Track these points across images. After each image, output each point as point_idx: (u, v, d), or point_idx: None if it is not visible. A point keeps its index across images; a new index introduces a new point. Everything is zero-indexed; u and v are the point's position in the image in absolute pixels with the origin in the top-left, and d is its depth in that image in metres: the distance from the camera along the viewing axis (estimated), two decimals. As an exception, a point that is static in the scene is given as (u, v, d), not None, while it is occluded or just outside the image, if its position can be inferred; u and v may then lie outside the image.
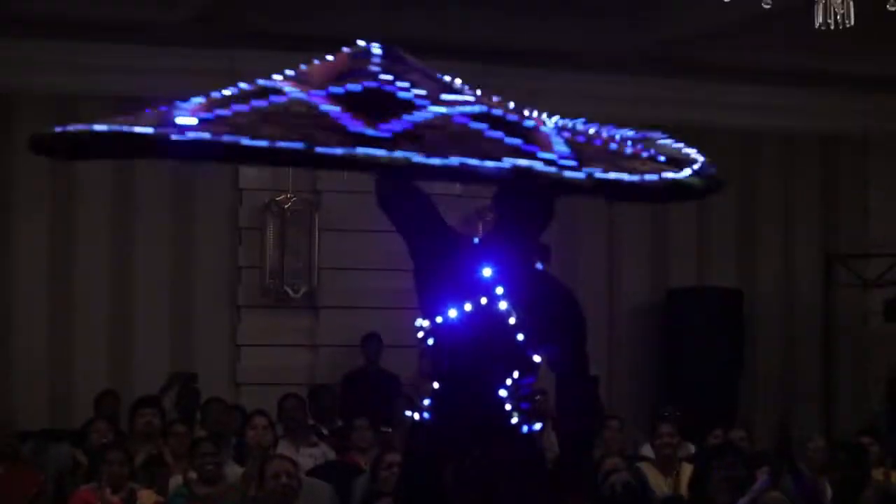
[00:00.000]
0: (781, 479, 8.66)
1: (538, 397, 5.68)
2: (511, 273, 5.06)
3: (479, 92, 4.98)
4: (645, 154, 4.82)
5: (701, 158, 4.91)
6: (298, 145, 4.32)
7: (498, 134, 4.60)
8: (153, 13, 11.58)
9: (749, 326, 13.88)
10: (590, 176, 4.55)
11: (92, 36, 11.90)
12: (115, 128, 4.48)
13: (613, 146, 4.87)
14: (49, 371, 12.21)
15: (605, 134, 5.00)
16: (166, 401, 10.85)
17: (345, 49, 5.01)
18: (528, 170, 4.46)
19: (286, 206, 12.53)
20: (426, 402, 5.18)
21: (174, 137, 4.36)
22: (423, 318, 5.21)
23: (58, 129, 4.65)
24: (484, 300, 5.03)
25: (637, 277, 13.98)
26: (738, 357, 13.53)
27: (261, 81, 4.78)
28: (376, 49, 4.97)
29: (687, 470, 8.97)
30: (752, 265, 14.46)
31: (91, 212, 12.30)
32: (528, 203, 5.09)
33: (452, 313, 5.06)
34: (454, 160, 4.37)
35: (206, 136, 4.37)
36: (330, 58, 4.99)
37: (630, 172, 4.62)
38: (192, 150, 4.47)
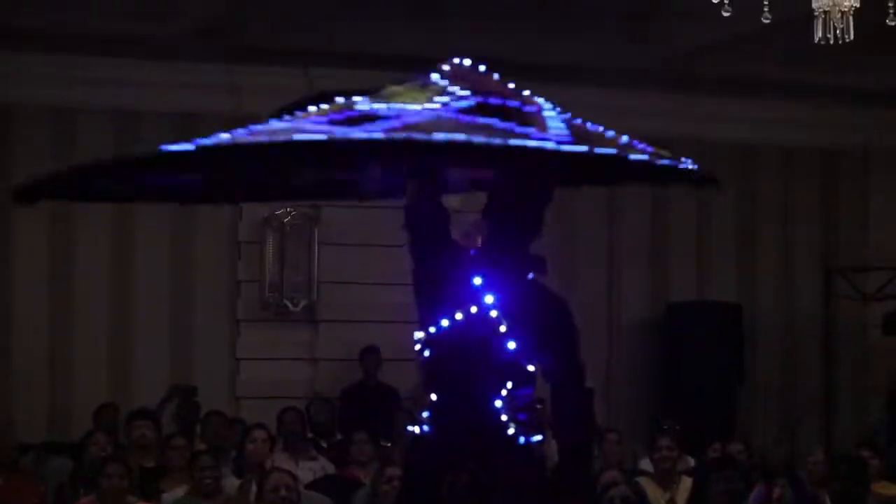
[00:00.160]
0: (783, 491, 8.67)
1: (539, 406, 5.66)
2: (501, 282, 5.07)
3: (480, 79, 5.02)
4: (640, 146, 4.87)
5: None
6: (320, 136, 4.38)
7: (491, 120, 4.63)
8: (152, 27, 11.59)
9: (749, 340, 13.87)
10: (591, 150, 4.60)
11: (91, 49, 11.91)
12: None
13: (610, 133, 4.92)
14: (49, 383, 12.20)
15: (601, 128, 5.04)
16: (165, 413, 10.85)
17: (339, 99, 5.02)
18: (524, 147, 4.50)
19: (285, 221, 12.53)
20: (425, 414, 5.18)
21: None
22: (420, 330, 5.23)
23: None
24: (474, 309, 5.04)
25: (637, 292, 13.97)
26: (738, 371, 13.52)
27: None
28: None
29: (686, 483, 8.97)
30: (751, 279, 14.45)
31: (91, 225, 12.29)
32: (517, 212, 5.11)
33: (444, 323, 5.08)
34: (439, 137, 4.42)
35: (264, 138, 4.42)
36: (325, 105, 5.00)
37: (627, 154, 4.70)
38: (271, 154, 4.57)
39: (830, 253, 14.70)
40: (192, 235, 12.57)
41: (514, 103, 4.83)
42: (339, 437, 11.11)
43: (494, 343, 5.01)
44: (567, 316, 5.18)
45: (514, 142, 4.50)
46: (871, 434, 12.80)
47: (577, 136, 4.72)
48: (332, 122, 4.57)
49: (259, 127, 4.62)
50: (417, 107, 4.66)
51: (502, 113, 4.70)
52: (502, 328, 5.01)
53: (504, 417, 5.02)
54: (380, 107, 4.65)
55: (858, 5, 6.77)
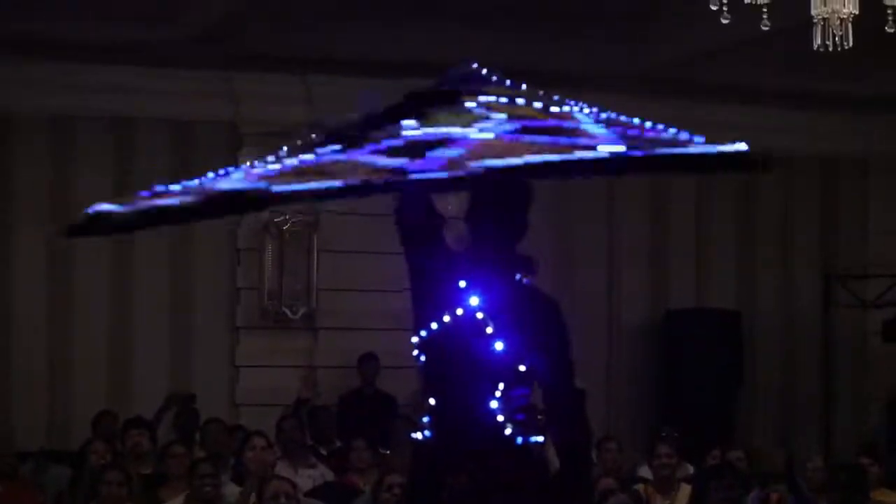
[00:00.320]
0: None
1: (540, 417, 5.64)
2: (486, 284, 5.07)
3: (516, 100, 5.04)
4: (685, 135, 4.89)
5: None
6: (392, 178, 4.38)
7: (542, 138, 4.65)
8: (152, 34, 11.59)
9: (748, 347, 13.86)
10: (651, 154, 4.63)
11: (90, 56, 11.92)
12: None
13: (651, 133, 4.94)
14: (48, 391, 12.20)
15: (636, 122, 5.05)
16: (164, 421, 10.84)
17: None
18: (603, 158, 4.53)
19: (284, 228, 12.53)
20: (425, 419, 5.19)
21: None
22: (414, 335, 5.24)
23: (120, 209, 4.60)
24: (460, 311, 5.05)
25: (636, 298, 13.96)
26: (737, 378, 13.51)
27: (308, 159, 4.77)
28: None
29: (685, 491, 8.96)
30: (751, 286, 14.44)
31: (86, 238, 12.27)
32: (498, 214, 5.12)
33: (434, 326, 5.09)
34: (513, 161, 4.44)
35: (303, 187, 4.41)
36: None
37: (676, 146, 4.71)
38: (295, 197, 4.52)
39: (830, 260, 14.69)
40: (191, 242, 12.56)
41: (552, 122, 4.86)
42: (338, 444, 11.09)
43: (482, 345, 5.01)
44: (556, 316, 5.17)
45: (581, 154, 4.52)
46: (870, 441, 12.79)
47: (628, 140, 4.74)
48: (389, 152, 4.59)
49: (324, 159, 4.58)
50: (463, 130, 4.71)
51: (547, 131, 4.74)
52: (489, 329, 5.01)
53: (500, 418, 5.01)
54: (431, 131, 4.68)
55: (857, 12, 6.77)
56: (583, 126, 4.85)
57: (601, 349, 13.61)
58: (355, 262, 12.40)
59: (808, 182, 14.68)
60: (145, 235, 12.39)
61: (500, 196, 5.10)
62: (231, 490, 8.89)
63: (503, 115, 4.83)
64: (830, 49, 6.89)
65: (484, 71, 5.29)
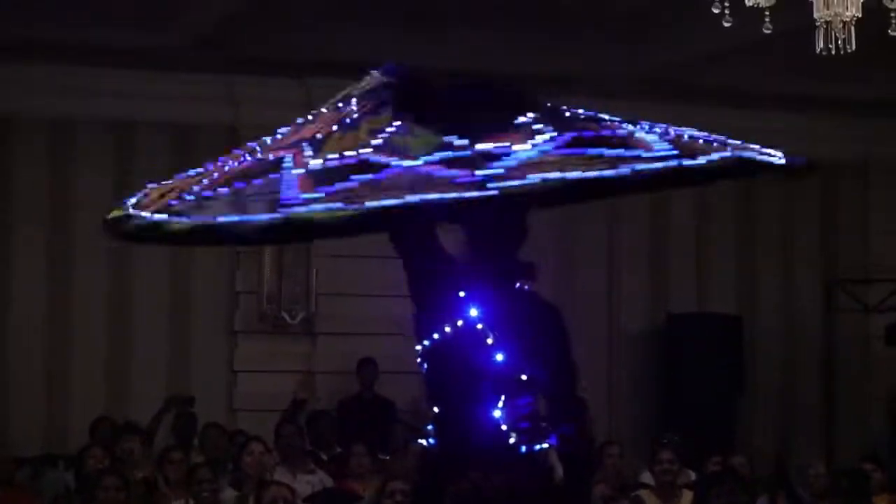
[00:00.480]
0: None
1: (544, 424, 5.62)
2: (486, 293, 5.04)
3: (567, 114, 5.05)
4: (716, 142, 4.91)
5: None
6: (442, 198, 4.36)
7: (597, 150, 4.65)
8: (152, 38, 11.59)
9: (749, 352, 13.83)
10: (710, 161, 4.65)
11: (90, 60, 11.91)
12: (245, 219, 4.47)
13: (689, 138, 4.97)
14: (46, 396, 12.17)
15: (673, 132, 5.07)
16: (162, 426, 10.80)
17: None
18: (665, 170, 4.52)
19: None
20: (429, 427, 5.17)
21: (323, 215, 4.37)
22: (418, 343, 5.22)
23: (185, 220, 4.57)
24: (460, 322, 5.03)
25: (637, 303, 13.94)
26: (739, 383, 13.48)
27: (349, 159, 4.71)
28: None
29: (687, 497, 8.93)
30: (752, 290, 14.41)
31: (89, 236, 12.25)
32: (495, 222, 5.09)
33: (435, 336, 5.07)
34: (572, 175, 4.43)
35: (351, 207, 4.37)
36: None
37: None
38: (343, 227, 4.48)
39: (831, 264, 14.67)
40: (189, 247, 12.51)
41: (606, 132, 4.86)
42: (337, 449, 11.05)
43: (483, 356, 4.99)
44: (557, 324, 5.14)
45: (641, 166, 4.52)
46: (873, 446, 12.76)
47: (681, 148, 4.76)
48: (444, 163, 4.58)
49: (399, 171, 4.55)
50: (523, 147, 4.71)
51: (601, 142, 4.75)
52: (489, 340, 4.99)
53: (504, 427, 4.99)
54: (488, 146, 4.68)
55: (860, 15, 6.73)
56: (637, 135, 4.87)
57: (602, 353, 13.57)
58: (354, 267, 12.36)
59: (808, 186, 14.64)
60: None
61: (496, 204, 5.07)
62: (229, 495, 8.87)
63: (552, 127, 4.84)
64: (833, 52, 6.85)
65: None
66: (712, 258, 14.29)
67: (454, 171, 4.54)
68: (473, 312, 5.01)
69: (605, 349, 13.68)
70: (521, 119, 4.94)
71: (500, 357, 4.97)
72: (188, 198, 4.63)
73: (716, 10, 6.70)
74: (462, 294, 5.04)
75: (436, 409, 5.16)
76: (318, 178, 4.58)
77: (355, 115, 5.07)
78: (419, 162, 4.61)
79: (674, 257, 14.13)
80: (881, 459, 10.62)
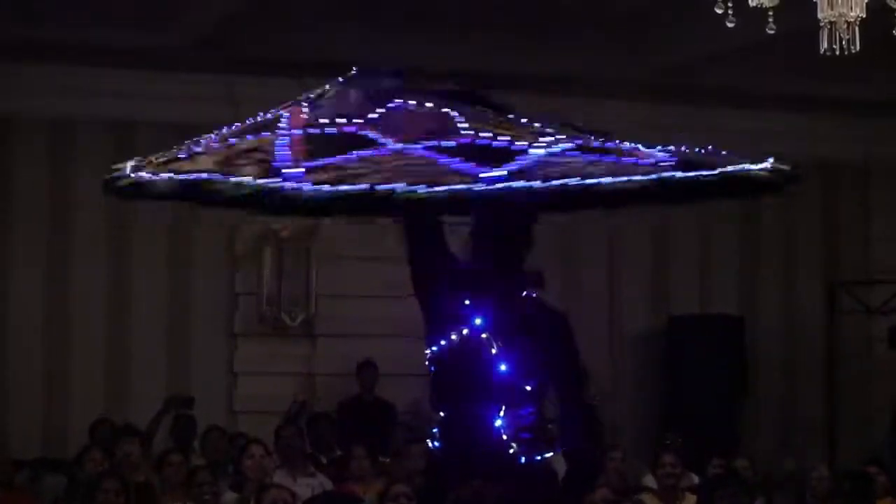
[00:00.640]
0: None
1: (550, 426, 5.59)
2: (492, 302, 5.00)
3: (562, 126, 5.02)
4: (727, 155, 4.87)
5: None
6: (443, 189, 4.31)
7: (611, 158, 4.62)
8: (152, 38, 11.59)
9: (751, 354, 13.79)
10: (713, 172, 4.61)
11: (90, 60, 11.91)
12: (236, 179, 4.44)
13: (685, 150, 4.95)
14: (44, 398, 12.16)
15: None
16: (162, 427, 10.77)
17: (423, 103, 4.94)
18: (669, 179, 4.47)
19: (283, 234, 12.46)
20: (434, 430, 5.15)
21: (306, 190, 4.32)
22: (427, 347, 5.20)
23: (168, 177, 4.60)
24: (465, 331, 5.00)
25: (638, 305, 13.92)
26: (741, 385, 13.44)
27: (347, 129, 4.69)
28: (453, 113, 4.94)
29: (690, 500, 8.90)
30: (754, 292, 14.39)
31: (88, 238, 12.26)
32: (503, 231, 5.05)
33: (443, 343, 5.04)
34: (591, 181, 4.39)
35: (343, 187, 4.32)
36: (411, 105, 4.94)
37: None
38: (324, 202, 4.45)
39: (833, 266, 14.65)
40: (189, 249, 12.51)
41: (610, 144, 4.84)
42: (338, 452, 11.02)
43: (486, 365, 4.96)
44: (563, 331, 5.11)
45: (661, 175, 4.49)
46: (876, 449, 12.72)
47: (679, 156, 4.74)
48: (445, 150, 4.53)
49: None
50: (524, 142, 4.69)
51: (604, 151, 4.73)
52: (493, 350, 4.96)
53: (505, 437, 4.96)
54: (487, 135, 4.65)
55: (865, 16, 6.69)
56: (629, 143, 4.83)
57: (603, 355, 13.54)
58: (354, 269, 12.35)
59: (810, 187, 14.59)
60: (144, 239, 12.37)
61: (503, 213, 5.03)
62: (229, 498, 8.84)
63: (553, 135, 4.81)
64: (837, 53, 6.81)
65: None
66: (714, 259, 14.27)
67: (468, 164, 4.50)
68: (478, 321, 4.99)
69: (607, 351, 13.65)
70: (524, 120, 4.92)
71: (503, 367, 4.94)
72: (181, 155, 4.69)
73: (719, 11, 6.66)
74: (467, 302, 5.01)
75: (442, 413, 5.15)
76: (314, 145, 4.55)
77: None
78: (418, 146, 4.59)
79: (675, 259, 14.11)
80: (884, 462, 10.58)
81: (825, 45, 6.75)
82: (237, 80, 12.44)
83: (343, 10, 11.11)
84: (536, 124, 5.01)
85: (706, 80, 12.76)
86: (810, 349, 14.48)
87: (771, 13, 6.76)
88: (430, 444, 5.25)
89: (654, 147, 4.95)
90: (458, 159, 4.53)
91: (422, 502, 5.57)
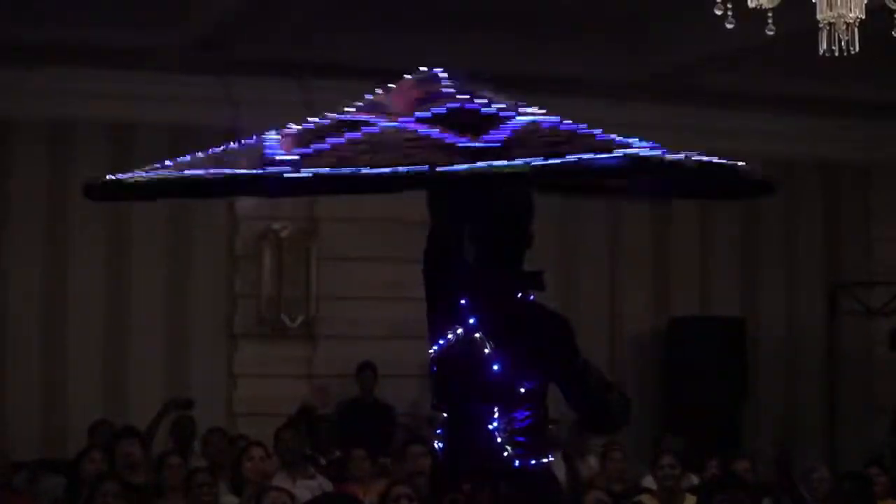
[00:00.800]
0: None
1: (551, 426, 5.56)
2: (488, 302, 4.98)
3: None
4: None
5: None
6: (423, 168, 4.26)
7: (591, 131, 4.58)
8: (151, 39, 11.58)
9: (752, 355, 13.78)
10: (688, 157, 4.54)
11: (89, 62, 11.91)
12: (225, 171, 4.44)
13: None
14: (43, 400, 12.14)
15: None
16: (161, 429, 10.76)
17: (407, 76, 4.95)
18: (645, 158, 4.41)
19: (283, 235, 12.45)
20: (438, 431, 5.14)
21: (290, 175, 4.30)
22: (430, 347, 5.18)
23: (151, 173, 4.61)
24: (460, 330, 4.98)
25: (639, 306, 13.91)
26: (742, 386, 13.44)
27: (338, 116, 4.70)
28: (441, 73, 4.96)
29: (690, 501, 8.89)
30: (755, 294, 14.38)
31: (86, 240, 12.25)
32: (500, 229, 5.03)
33: (442, 342, 5.03)
34: (571, 158, 4.33)
35: (324, 170, 4.29)
36: (394, 86, 4.95)
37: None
38: (312, 185, 4.41)
39: (834, 267, 14.65)
40: (188, 250, 12.50)
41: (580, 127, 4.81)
42: (337, 454, 11.02)
43: (480, 365, 4.94)
44: (561, 334, 5.07)
45: (633, 152, 4.44)
46: (877, 450, 12.71)
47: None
48: (437, 119, 4.52)
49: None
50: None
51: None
52: (486, 350, 4.93)
53: (499, 440, 4.93)
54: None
55: (864, 17, 6.68)
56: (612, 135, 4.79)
57: (604, 356, 13.53)
58: (354, 270, 12.34)
59: (810, 188, 14.61)
60: (143, 240, 12.37)
61: (501, 208, 5.00)
62: (229, 500, 8.82)
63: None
64: (836, 54, 6.81)
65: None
66: (714, 261, 14.27)
67: (449, 136, 4.46)
68: (471, 321, 4.97)
69: (608, 352, 13.64)
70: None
71: (496, 367, 4.92)
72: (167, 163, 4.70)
73: (718, 12, 6.65)
74: (463, 302, 4.99)
75: (444, 414, 5.13)
76: (304, 137, 4.55)
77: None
78: (410, 119, 4.56)
79: (676, 260, 14.10)
80: (885, 463, 10.58)
81: (824, 46, 6.75)
82: (236, 81, 12.44)
83: (342, 11, 11.10)
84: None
85: (706, 81, 12.75)
86: (811, 350, 14.48)
87: (770, 14, 6.77)
88: (434, 446, 5.22)
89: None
90: (438, 130, 4.50)
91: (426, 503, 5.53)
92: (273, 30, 11.49)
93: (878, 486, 9.16)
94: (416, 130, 4.52)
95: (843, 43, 6.74)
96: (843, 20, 6.71)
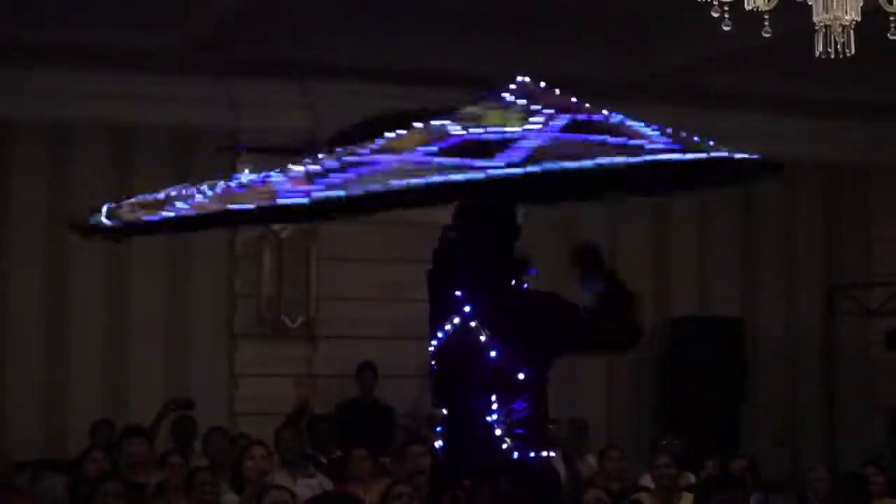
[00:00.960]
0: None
1: (550, 426, 5.59)
2: (482, 291, 5.03)
3: (555, 97, 5.00)
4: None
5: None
6: (438, 178, 4.32)
7: (601, 137, 4.62)
8: (152, 41, 11.58)
9: (751, 355, 13.80)
10: (709, 155, 4.62)
11: (89, 63, 11.90)
12: (284, 201, 4.49)
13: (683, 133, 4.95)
14: (44, 400, 12.14)
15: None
16: (161, 429, 10.78)
17: (418, 125, 4.97)
18: (664, 161, 4.48)
19: (283, 235, 12.47)
20: (438, 429, 5.17)
21: (350, 194, 4.36)
22: (429, 343, 5.22)
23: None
24: (457, 320, 5.02)
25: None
26: (741, 386, 13.45)
27: (342, 158, 4.71)
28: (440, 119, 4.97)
29: (687, 500, 8.92)
30: (753, 294, 14.39)
31: (87, 241, 12.21)
32: (484, 219, 5.08)
33: (440, 335, 5.07)
34: (588, 162, 4.40)
35: (375, 187, 4.40)
36: (405, 131, 4.98)
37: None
38: (364, 203, 4.50)
39: (833, 268, 14.66)
40: (189, 250, 12.51)
41: (597, 116, 4.85)
42: (338, 453, 11.04)
43: (476, 355, 4.98)
44: (556, 308, 5.12)
45: (653, 158, 4.49)
46: (877, 451, 12.74)
47: (682, 142, 4.75)
48: (444, 152, 4.55)
49: (361, 170, 4.50)
50: (517, 128, 4.67)
51: (597, 127, 4.73)
52: (482, 338, 4.97)
53: (498, 432, 4.96)
54: (479, 131, 4.64)
55: (859, 19, 6.72)
56: (629, 123, 4.84)
57: (603, 357, 13.55)
58: (354, 271, 12.35)
59: (810, 190, 14.63)
60: (143, 241, 12.36)
61: (486, 201, 5.06)
62: (230, 499, 8.85)
63: (551, 109, 4.81)
64: (832, 56, 6.85)
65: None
66: (714, 261, 14.27)
67: (468, 160, 4.50)
68: (467, 309, 5.01)
69: (606, 352, 13.66)
70: (506, 96, 4.93)
71: (493, 354, 4.96)
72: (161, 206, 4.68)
73: (715, 14, 6.69)
74: (458, 294, 5.04)
75: (444, 411, 5.16)
76: (312, 176, 4.59)
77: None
78: (414, 154, 4.60)
79: (675, 260, 14.11)
80: (884, 463, 10.60)
81: (820, 48, 6.79)
82: (237, 82, 12.45)
83: (343, 12, 11.12)
84: (520, 101, 5.01)
85: (706, 81, 12.77)
86: (810, 350, 14.50)
87: (767, 17, 6.80)
88: (434, 445, 5.26)
89: (640, 124, 4.96)
90: (459, 159, 4.54)
91: (427, 502, 5.55)
92: (273, 30, 11.51)
93: (875, 485, 9.19)
94: (431, 160, 4.56)
95: (839, 45, 6.78)
96: (839, 22, 6.75)
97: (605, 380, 13.45)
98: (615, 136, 4.71)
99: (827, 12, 6.70)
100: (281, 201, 4.50)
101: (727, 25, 6.69)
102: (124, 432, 9.84)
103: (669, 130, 4.95)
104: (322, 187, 4.49)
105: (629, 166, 4.51)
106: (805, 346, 14.48)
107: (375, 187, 4.40)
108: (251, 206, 4.54)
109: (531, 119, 4.77)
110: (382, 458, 10.28)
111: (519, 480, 4.97)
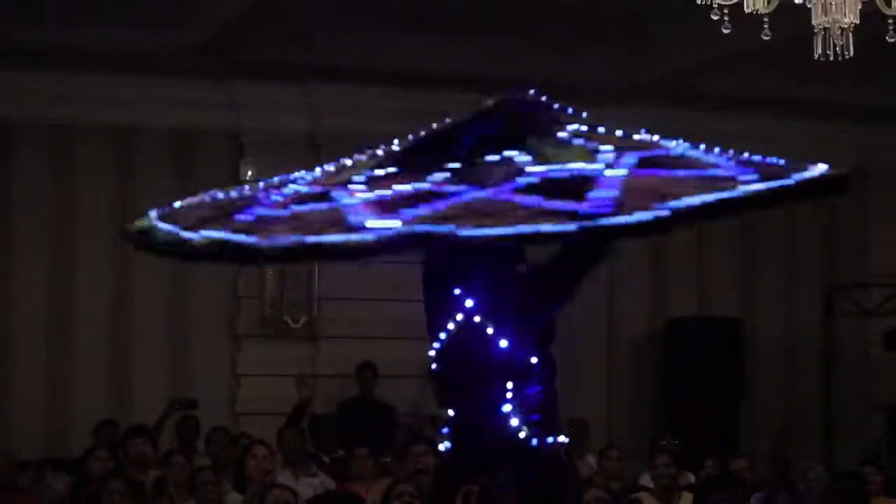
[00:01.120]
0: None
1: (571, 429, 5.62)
2: (482, 284, 5.06)
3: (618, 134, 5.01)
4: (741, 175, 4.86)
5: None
6: (572, 226, 4.33)
7: (685, 172, 4.77)
8: (153, 43, 11.59)
9: (750, 356, 13.83)
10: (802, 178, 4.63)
11: (90, 66, 11.92)
12: (327, 239, 4.36)
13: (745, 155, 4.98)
14: (48, 400, 12.16)
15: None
16: (165, 428, 10.81)
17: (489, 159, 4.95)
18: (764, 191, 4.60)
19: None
20: (444, 431, 5.19)
21: (468, 234, 4.32)
22: (430, 346, 5.25)
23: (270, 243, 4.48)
24: (460, 316, 5.04)
25: (637, 307, 13.94)
26: (739, 386, 13.48)
27: (421, 186, 4.68)
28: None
29: (686, 499, 8.95)
30: (752, 294, 14.42)
31: (91, 241, 12.27)
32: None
33: (442, 336, 5.09)
34: (708, 197, 4.43)
35: (490, 230, 4.34)
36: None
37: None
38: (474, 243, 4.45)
39: (831, 268, 14.69)
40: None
41: (659, 152, 4.87)
42: (340, 452, 11.08)
43: (486, 347, 5.00)
44: (534, 269, 5.15)
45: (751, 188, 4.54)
46: (874, 450, 12.77)
47: (753, 165, 4.80)
48: (528, 190, 4.56)
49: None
50: (593, 166, 4.69)
51: (668, 162, 4.76)
52: (489, 330, 5.00)
53: (515, 421, 4.98)
54: (556, 167, 4.65)
55: (858, 22, 6.77)
56: (690, 153, 4.85)
57: (602, 357, 13.60)
58: (356, 271, 12.34)
59: (809, 190, 14.62)
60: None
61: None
62: (233, 498, 8.88)
63: (611, 147, 4.82)
64: (831, 59, 6.89)
65: (543, 98, 5.32)
66: (712, 262, 14.30)
67: (554, 203, 4.48)
68: (469, 303, 5.03)
69: (605, 353, 13.70)
70: (561, 134, 4.95)
71: (503, 343, 4.98)
72: (240, 217, 4.55)
73: (715, 17, 6.74)
74: (457, 292, 5.06)
75: (451, 412, 5.17)
76: (385, 206, 4.50)
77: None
78: (499, 189, 4.58)
79: (674, 261, 14.13)
80: (882, 463, 10.64)
81: (819, 50, 6.83)
82: (238, 85, 12.47)
83: (344, 14, 11.14)
84: (576, 141, 5.01)
85: (706, 84, 12.79)
86: (808, 351, 14.53)
87: (766, 20, 6.84)
88: (439, 448, 5.26)
89: (707, 153, 4.99)
90: (540, 197, 4.51)
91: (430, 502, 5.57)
92: (274, 32, 11.52)
93: (872, 484, 9.22)
94: (514, 200, 4.55)
95: (838, 48, 6.82)
96: (838, 25, 6.79)
97: (605, 380, 13.48)
98: (688, 168, 4.74)
99: (826, 15, 6.73)
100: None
101: (727, 28, 6.73)
102: (128, 432, 9.85)
103: (731, 153, 4.99)
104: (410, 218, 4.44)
105: (744, 198, 4.54)
106: (804, 347, 14.52)
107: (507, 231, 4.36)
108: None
109: (599, 157, 4.79)
110: (383, 457, 10.32)
111: (544, 470, 5.00)
